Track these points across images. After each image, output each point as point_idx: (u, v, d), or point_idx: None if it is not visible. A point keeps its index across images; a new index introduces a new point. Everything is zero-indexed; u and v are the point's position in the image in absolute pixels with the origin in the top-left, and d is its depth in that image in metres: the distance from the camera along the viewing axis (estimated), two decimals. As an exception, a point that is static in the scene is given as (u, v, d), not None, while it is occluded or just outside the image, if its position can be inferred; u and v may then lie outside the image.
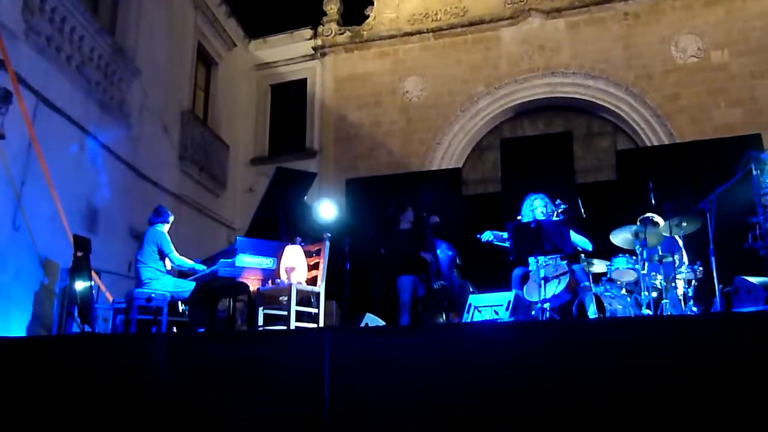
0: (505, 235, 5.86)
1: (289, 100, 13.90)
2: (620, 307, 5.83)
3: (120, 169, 9.53)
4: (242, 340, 3.98)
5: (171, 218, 6.50)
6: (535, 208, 6.00)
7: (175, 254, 6.17)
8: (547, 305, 5.32)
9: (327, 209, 6.89)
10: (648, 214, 6.06)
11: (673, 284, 5.71)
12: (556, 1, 12.19)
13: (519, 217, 6.01)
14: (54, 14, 8.14)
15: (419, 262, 6.71)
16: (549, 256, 5.69)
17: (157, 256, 6.19)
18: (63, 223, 7.76)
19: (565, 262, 5.77)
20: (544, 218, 5.79)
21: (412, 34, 12.93)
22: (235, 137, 13.42)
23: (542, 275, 5.41)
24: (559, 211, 5.88)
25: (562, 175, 9.20)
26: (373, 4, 13.47)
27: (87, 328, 7.11)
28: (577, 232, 6.04)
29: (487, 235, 6.17)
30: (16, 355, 4.16)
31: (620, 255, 5.99)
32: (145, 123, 10.30)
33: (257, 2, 14.06)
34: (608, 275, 6.04)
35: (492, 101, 12.25)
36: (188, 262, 6.14)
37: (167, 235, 6.32)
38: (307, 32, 13.76)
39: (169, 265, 6.25)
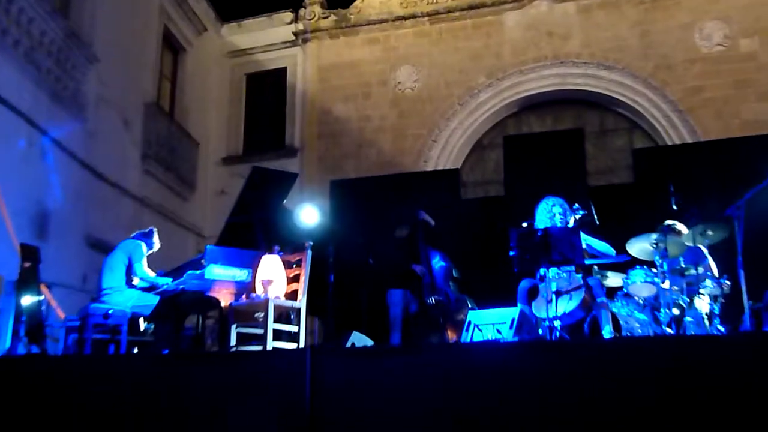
0: None
1: (266, 92, 13.88)
2: (638, 325, 5.85)
3: (74, 168, 9.48)
4: (213, 363, 3.96)
5: (156, 247, 6.52)
6: (553, 214, 5.97)
7: (142, 266, 6.14)
8: (557, 323, 5.31)
9: (309, 214, 6.89)
10: (669, 222, 6.07)
11: (697, 300, 5.73)
12: (566, -18, 12.28)
13: (525, 224, 5.97)
14: (0, -7, 8.11)
15: (411, 274, 6.71)
16: (562, 268, 5.68)
17: (125, 267, 6.16)
18: (8, 230, 7.70)
19: (581, 275, 5.76)
20: (560, 225, 5.79)
21: (405, 18, 12.96)
22: (205, 133, 13.39)
23: (554, 288, 5.41)
24: (577, 217, 5.88)
25: (572, 177, 9.22)
26: (361, -16, 13.52)
27: (35, 349, 7.05)
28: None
29: None
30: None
31: (638, 267, 6.00)
32: (103, 116, 10.26)
33: (231, -19, 14.08)
34: (624, 290, 6.05)
35: (494, 94, 12.29)
36: (151, 276, 6.12)
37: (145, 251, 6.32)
38: (288, 15, 13.76)
39: (136, 279, 6.22)
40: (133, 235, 6.54)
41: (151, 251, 6.49)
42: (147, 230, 6.63)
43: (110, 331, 6.01)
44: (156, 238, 6.57)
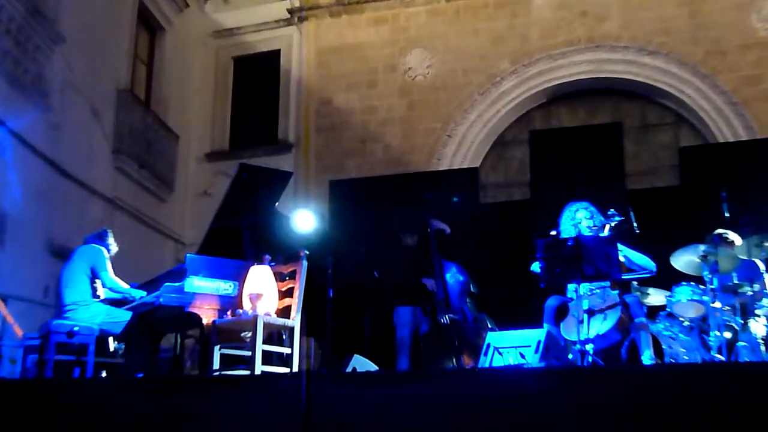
0: None
1: (257, 78, 13.91)
2: (683, 350, 5.85)
3: (36, 165, 9.51)
4: (192, 388, 3.97)
5: (113, 250, 6.51)
6: (579, 220, 5.96)
7: (109, 274, 6.16)
8: (590, 347, 5.31)
9: (305, 219, 6.90)
10: (720, 231, 6.07)
11: (752, 322, 5.73)
12: (603, -46, 12.27)
13: (553, 232, 5.98)
14: (-48, -37, 8.17)
15: (422, 289, 6.72)
16: (595, 284, 5.68)
17: (88, 278, 6.17)
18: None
19: (617, 291, 5.75)
20: (589, 233, 5.78)
21: (416, -6, 13.00)
22: (186, 125, 13.42)
23: (586, 307, 5.40)
24: (612, 224, 5.86)
25: (608, 179, 9.24)
26: (366, -46, 13.53)
27: (-11, 371, 7.09)
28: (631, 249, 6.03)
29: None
30: None
31: (684, 283, 6.00)
32: (69, 105, 10.29)
33: (217, -49, 14.10)
34: (668, 309, 6.05)
35: (519, 82, 12.29)
36: (123, 286, 6.13)
37: (106, 255, 6.32)
38: (282, -10, 13.80)
39: (101, 290, 6.23)
40: (85, 240, 6.51)
41: (109, 254, 6.48)
42: (100, 232, 6.57)
43: (75, 351, 6.02)
44: (112, 240, 6.54)
